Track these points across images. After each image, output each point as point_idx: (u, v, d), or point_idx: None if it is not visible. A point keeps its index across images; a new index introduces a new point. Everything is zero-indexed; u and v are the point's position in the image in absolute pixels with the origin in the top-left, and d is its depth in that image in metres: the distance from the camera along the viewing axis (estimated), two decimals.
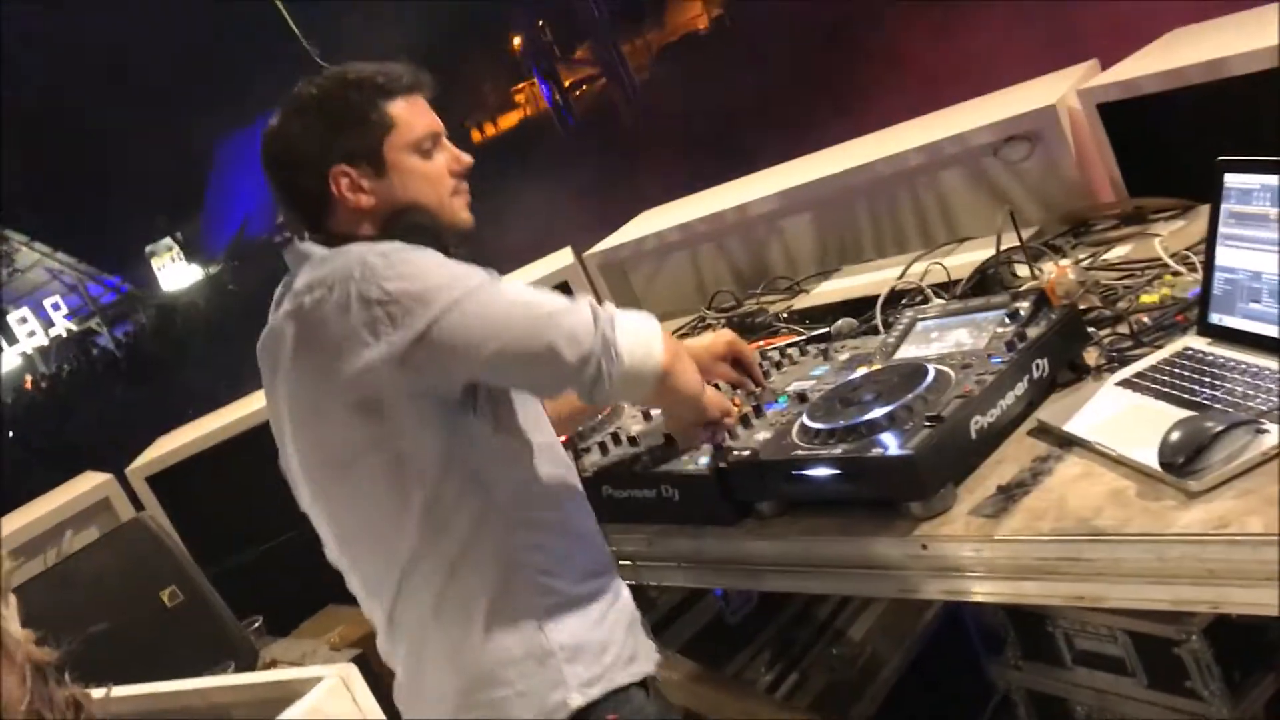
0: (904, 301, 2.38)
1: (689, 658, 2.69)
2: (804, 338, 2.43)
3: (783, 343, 2.40)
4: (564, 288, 3.56)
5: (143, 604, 2.83)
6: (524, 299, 1.60)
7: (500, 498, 1.65)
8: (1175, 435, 1.45)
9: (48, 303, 30.33)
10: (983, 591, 1.60)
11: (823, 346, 2.25)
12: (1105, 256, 2.30)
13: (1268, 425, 1.44)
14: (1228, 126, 2.54)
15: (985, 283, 2.32)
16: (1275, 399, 1.49)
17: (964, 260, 2.47)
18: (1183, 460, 1.43)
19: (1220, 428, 1.43)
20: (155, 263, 29.69)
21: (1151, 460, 1.47)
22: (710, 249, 3.48)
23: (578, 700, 1.64)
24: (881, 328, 2.29)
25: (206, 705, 1.36)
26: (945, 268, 2.41)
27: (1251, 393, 1.53)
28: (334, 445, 1.64)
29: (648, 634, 1.82)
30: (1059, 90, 2.72)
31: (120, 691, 1.42)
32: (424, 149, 1.73)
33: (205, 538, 3.47)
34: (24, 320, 29.81)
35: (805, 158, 3.53)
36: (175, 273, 29.29)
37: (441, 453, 1.61)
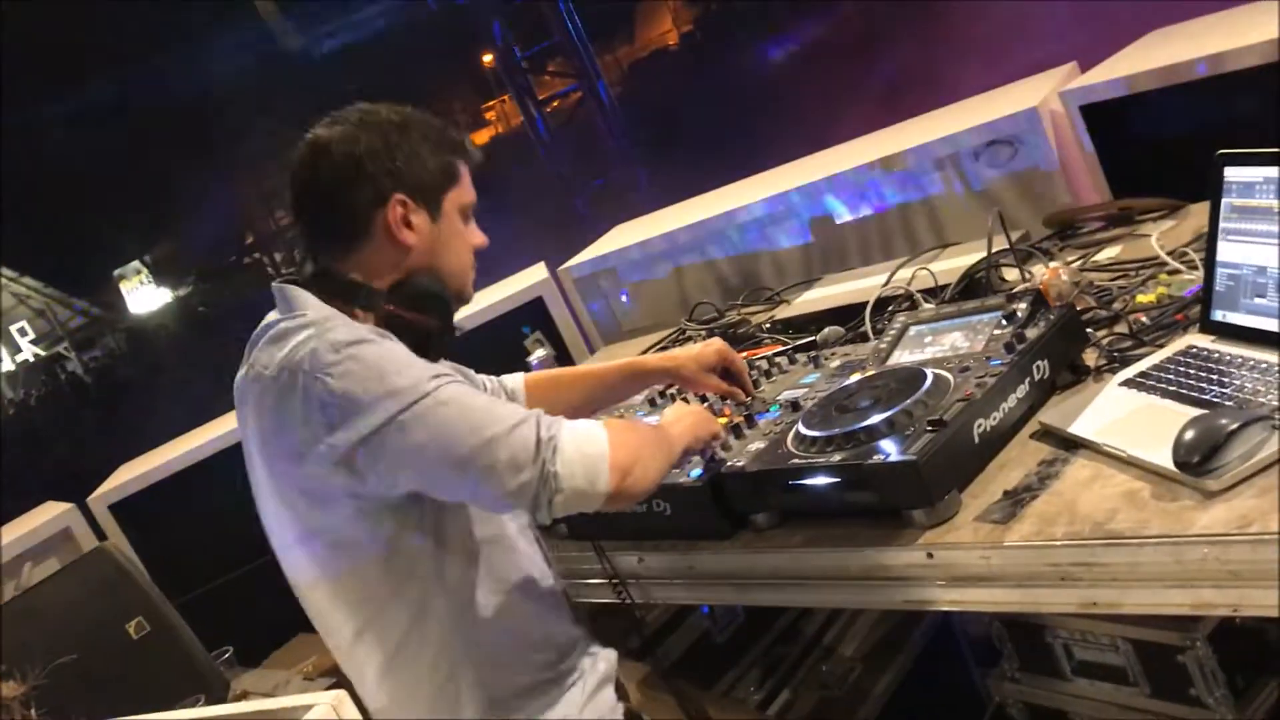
0: (891, 308, 2.33)
1: (678, 676, 2.61)
2: (790, 346, 2.37)
3: (769, 352, 2.35)
4: (538, 304, 3.50)
5: (108, 636, 2.73)
6: (469, 420, 1.50)
7: (440, 591, 1.61)
8: (1189, 434, 1.40)
9: (14, 329, 30.16)
10: (993, 600, 1.54)
11: (812, 354, 2.19)
12: (1096, 258, 2.27)
13: None
14: (1210, 125, 2.52)
15: (973, 287, 2.28)
16: None
17: (949, 265, 2.43)
18: (1198, 459, 1.38)
19: (1235, 425, 1.38)
20: (124, 286, 29.56)
21: (1165, 460, 1.43)
22: (688, 261, 3.43)
23: None
24: (871, 334, 2.25)
25: None
26: (932, 273, 2.37)
27: (1262, 389, 1.49)
28: (284, 518, 1.62)
29: (621, 695, 1.78)
30: (1040, 93, 2.70)
31: None
32: (466, 215, 1.71)
33: (171, 567, 3.38)
34: None
35: (782, 167, 3.50)
36: (144, 296, 29.20)
37: (378, 548, 1.58)
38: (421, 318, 1.62)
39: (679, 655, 2.66)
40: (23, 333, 30.35)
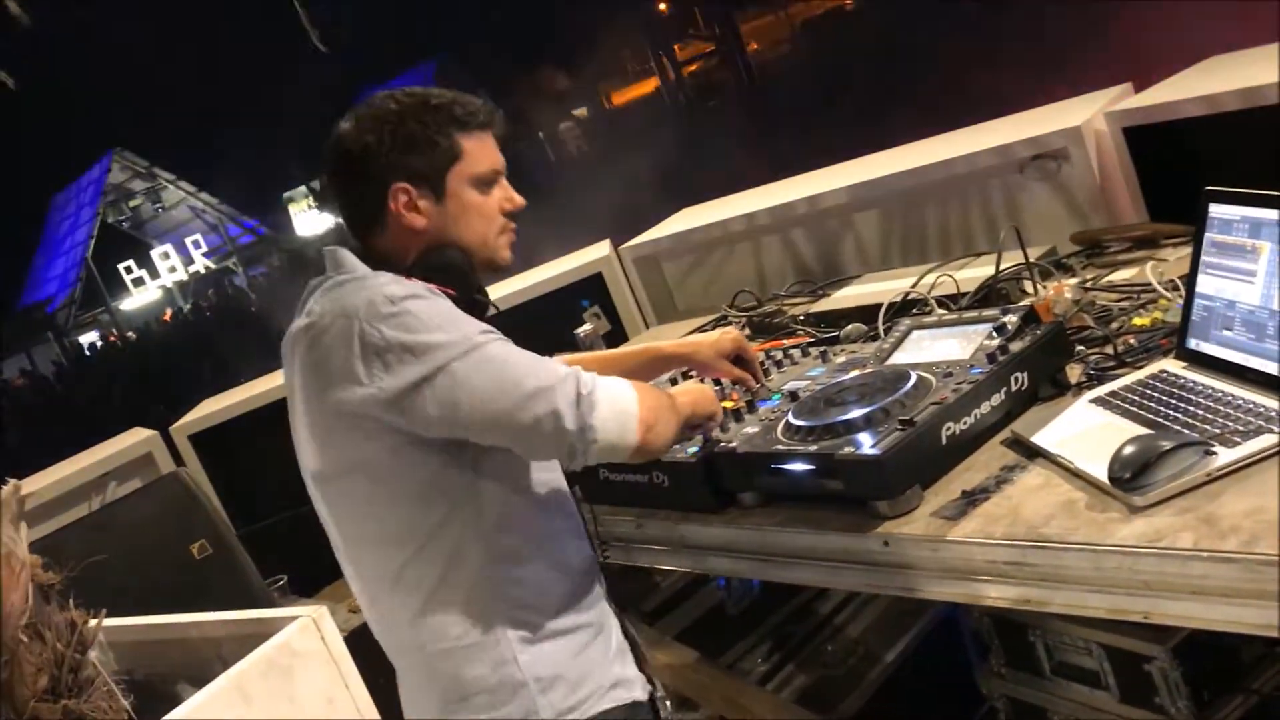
0: (914, 311, 2.44)
1: (686, 644, 2.77)
2: (810, 340, 2.49)
3: (789, 344, 2.47)
4: (598, 279, 3.65)
5: (173, 555, 2.94)
6: (514, 373, 1.62)
7: (482, 529, 1.69)
8: (1127, 450, 1.51)
9: (189, 240, 31.87)
10: (935, 591, 1.66)
11: (823, 349, 2.32)
12: (1109, 278, 2.34)
13: (1216, 447, 1.49)
14: (1252, 155, 2.56)
15: (990, 297, 2.37)
16: (1233, 423, 1.54)
17: (976, 274, 2.51)
18: (1129, 475, 1.48)
19: (1169, 446, 1.48)
20: (292, 209, 30.94)
21: (1103, 474, 1.53)
22: (744, 248, 3.55)
23: None
24: (882, 335, 2.36)
25: (201, 638, 1.47)
26: (955, 280, 2.46)
27: (1211, 416, 1.58)
28: (328, 458, 1.71)
29: (641, 665, 1.84)
30: (1088, 112, 2.76)
31: (119, 621, 1.55)
32: (483, 184, 1.79)
33: (240, 497, 3.61)
34: (166, 256, 31.43)
35: (850, 162, 3.58)
36: (310, 220, 30.53)
37: (424, 483, 1.67)
38: (444, 289, 1.73)
39: (690, 622, 2.81)
40: (196, 245, 32.04)
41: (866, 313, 2.60)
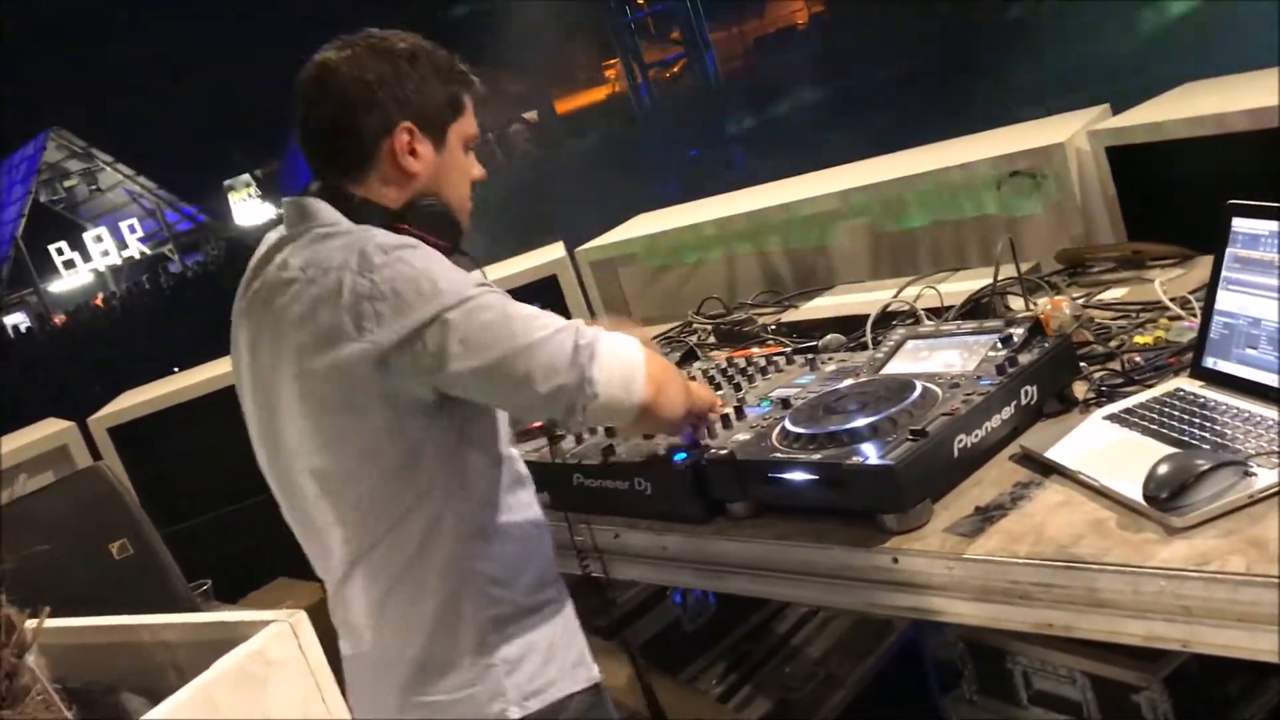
0: (894, 322, 2.36)
1: (643, 659, 2.64)
2: (791, 349, 2.40)
3: (770, 352, 2.38)
4: (552, 282, 3.53)
5: (91, 553, 2.75)
6: (509, 324, 1.53)
7: (457, 505, 1.62)
8: (1162, 469, 1.43)
9: (124, 224, 31.03)
10: (952, 611, 1.56)
11: (809, 357, 2.22)
12: (1101, 296, 2.29)
13: (1255, 468, 1.42)
14: (1231, 179, 2.53)
15: (977, 311, 2.30)
16: (1266, 444, 1.47)
17: (956, 288, 2.44)
18: (1167, 495, 1.40)
19: (1208, 466, 1.41)
20: (232, 197, 30.48)
21: (1135, 493, 1.45)
22: (704, 256, 3.46)
23: (515, 713, 1.62)
24: (871, 345, 2.27)
25: (155, 642, 1.31)
26: (939, 292, 2.39)
27: (1242, 436, 1.51)
28: (308, 428, 1.60)
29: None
30: (1070, 130, 2.72)
31: (64, 622, 1.38)
32: (469, 147, 1.74)
33: (159, 496, 3.42)
34: (99, 239, 30.55)
35: (818, 173, 3.51)
36: (250, 209, 30.12)
37: (402, 456, 1.58)
38: (433, 238, 1.63)
39: (646, 639, 2.69)
40: (131, 229, 31.22)
41: (843, 323, 2.52)
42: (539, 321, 1.56)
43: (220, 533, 3.54)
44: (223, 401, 3.48)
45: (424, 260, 1.54)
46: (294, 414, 1.60)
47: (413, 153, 1.65)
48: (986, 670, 2.34)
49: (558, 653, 1.68)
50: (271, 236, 1.68)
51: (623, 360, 1.59)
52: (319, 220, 1.62)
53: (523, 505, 1.72)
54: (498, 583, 1.64)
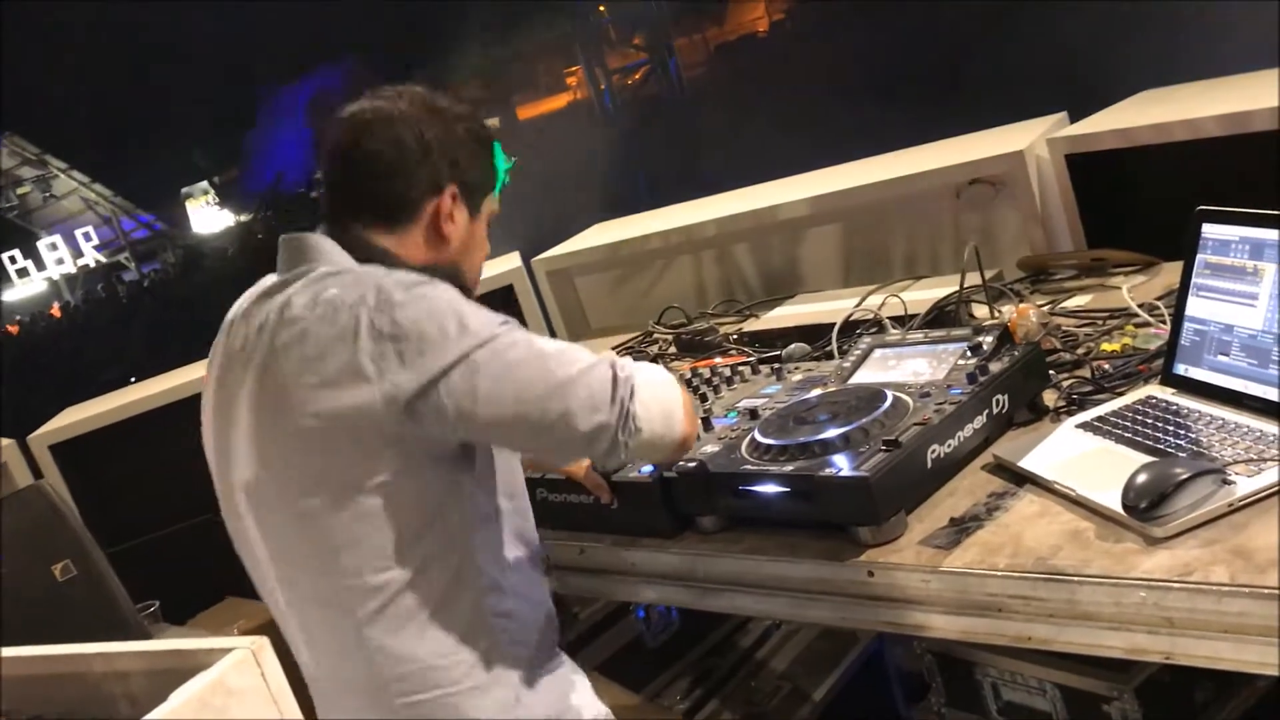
0: (858, 331, 2.34)
1: (605, 677, 2.60)
2: (755, 359, 2.37)
3: (726, 362, 2.35)
4: (508, 292, 3.48)
5: (32, 575, 2.66)
6: (543, 362, 1.44)
7: (478, 559, 1.52)
8: (1141, 478, 1.41)
9: (79, 232, 30.48)
10: (928, 625, 1.53)
11: (775, 367, 2.19)
12: (1065, 304, 2.28)
13: (1233, 476, 1.40)
14: (1190, 187, 2.53)
15: (941, 319, 2.29)
16: (1243, 451, 1.46)
17: (918, 296, 2.43)
18: (1146, 504, 1.38)
19: (1186, 475, 1.39)
20: (190, 205, 30.13)
21: (1112, 503, 1.43)
22: (663, 266, 3.42)
23: None
24: (837, 354, 2.25)
25: (108, 672, 1.24)
26: (902, 301, 2.37)
27: (1218, 443, 1.50)
28: (291, 473, 1.47)
29: None
30: (1028, 138, 2.71)
31: (10, 652, 1.31)
32: (489, 225, 1.69)
33: (105, 514, 3.32)
34: (54, 247, 29.91)
35: (778, 180, 3.49)
36: (208, 217, 29.80)
37: (424, 504, 1.47)
38: None
39: (609, 655, 2.64)
40: (87, 238, 30.64)
41: (806, 333, 2.50)
42: (571, 355, 1.47)
43: (166, 552, 3.44)
44: (169, 416, 3.43)
45: (448, 298, 1.44)
46: (301, 472, 1.46)
47: (451, 218, 1.58)
48: (955, 682, 2.32)
49: (582, 711, 1.61)
50: (265, 281, 1.56)
51: (660, 394, 1.50)
52: (325, 260, 1.52)
53: (533, 562, 1.63)
54: (519, 642, 1.54)
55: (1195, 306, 1.69)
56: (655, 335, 2.94)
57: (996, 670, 2.22)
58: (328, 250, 1.53)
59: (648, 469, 1.83)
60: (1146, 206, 2.59)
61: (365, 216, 1.57)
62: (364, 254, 1.54)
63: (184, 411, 3.50)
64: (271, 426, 1.47)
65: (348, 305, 1.42)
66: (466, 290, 1.59)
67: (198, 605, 3.43)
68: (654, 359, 2.46)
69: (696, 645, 2.77)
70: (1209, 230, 1.69)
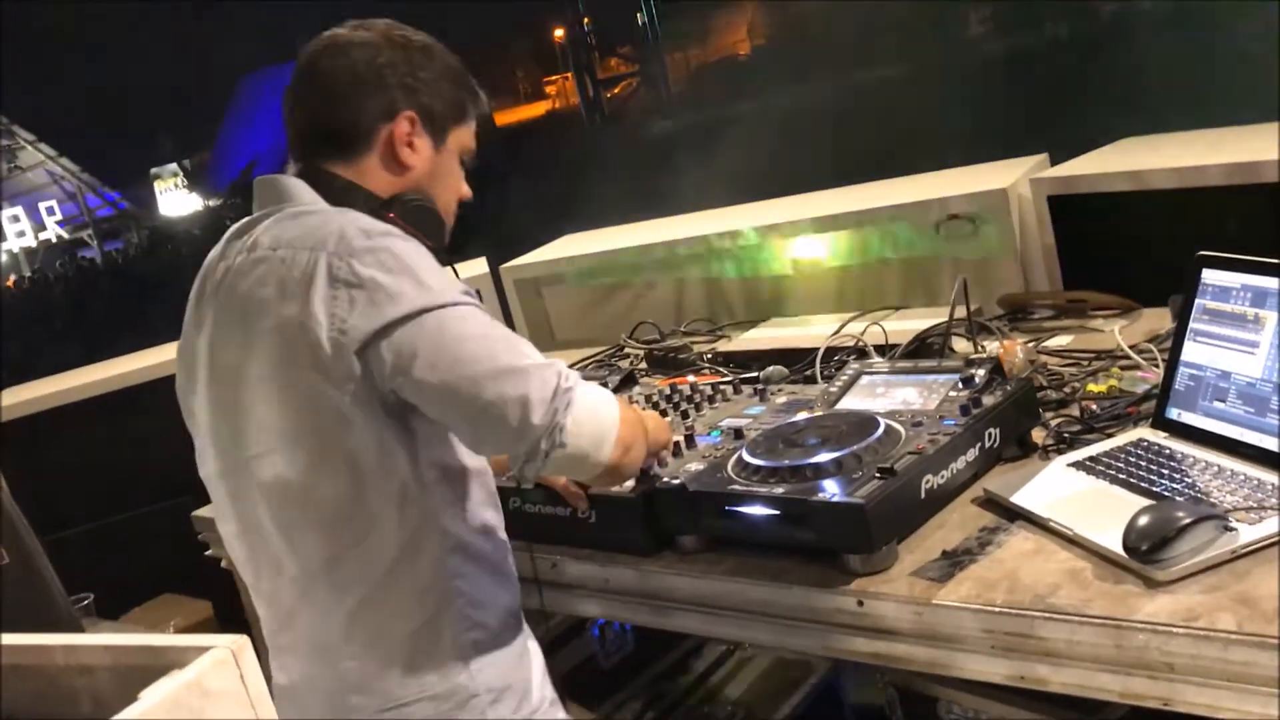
0: (837, 358, 2.32)
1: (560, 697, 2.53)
2: (734, 379, 2.33)
3: (714, 380, 2.31)
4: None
5: None
6: (490, 344, 1.40)
7: (439, 518, 1.48)
8: (1143, 520, 1.39)
9: (43, 206, 29.76)
10: (916, 659, 1.50)
11: (758, 387, 2.16)
12: (1048, 344, 2.28)
13: (1234, 523, 1.39)
14: (1170, 234, 2.56)
15: (921, 350, 2.27)
16: (1243, 499, 1.45)
17: (896, 327, 2.41)
18: (1148, 547, 1.36)
19: (1189, 519, 1.37)
20: (158, 185, 29.73)
21: (1111, 543, 1.41)
22: (631, 282, 3.38)
23: None
24: (820, 379, 2.22)
25: (67, 666, 1.17)
26: (884, 329, 2.35)
27: (1216, 490, 1.49)
28: (261, 425, 1.46)
29: None
30: (1012, 176, 2.72)
31: None
32: (463, 160, 1.66)
33: (44, 501, 3.19)
34: (16, 219, 29.18)
35: (761, 202, 3.48)
36: (176, 200, 29.42)
37: (380, 455, 1.43)
38: (420, 234, 1.51)
39: (561, 674, 2.58)
40: (50, 212, 29.92)
41: (782, 356, 2.47)
42: (522, 348, 1.43)
43: (103, 544, 3.33)
44: (112, 403, 3.32)
45: (409, 252, 1.42)
46: (260, 412, 1.45)
47: (410, 145, 1.56)
48: (916, 718, 2.29)
49: (533, 688, 1.59)
50: (246, 221, 1.54)
51: (599, 416, 1.46)
52: (294, 199, 1.51)
53: (496, 525, 1.60)
54: (477, 605, 1.52)
55: (1191, 351, 1.69)
56: (627, 350, 2.90)
57: (960, 707, 2.19)
58: (298, 190, 1.53)
59: (629, 484, 1.79)
60: (1124, 251, 2.60)
61: (324, 149, 1.56)
62: (331, 191, 1.53)
63: (133, 399, 3.43)
64: (243, 376, 1.46)
65: (308, 247, 1.42)
66: (439, 220, 1.59)
67: (132, 600, 3.32)
68: (632, 374, 2.41)
69: (650, 667, 2.72)
70: (1209, 276, 1.68)
